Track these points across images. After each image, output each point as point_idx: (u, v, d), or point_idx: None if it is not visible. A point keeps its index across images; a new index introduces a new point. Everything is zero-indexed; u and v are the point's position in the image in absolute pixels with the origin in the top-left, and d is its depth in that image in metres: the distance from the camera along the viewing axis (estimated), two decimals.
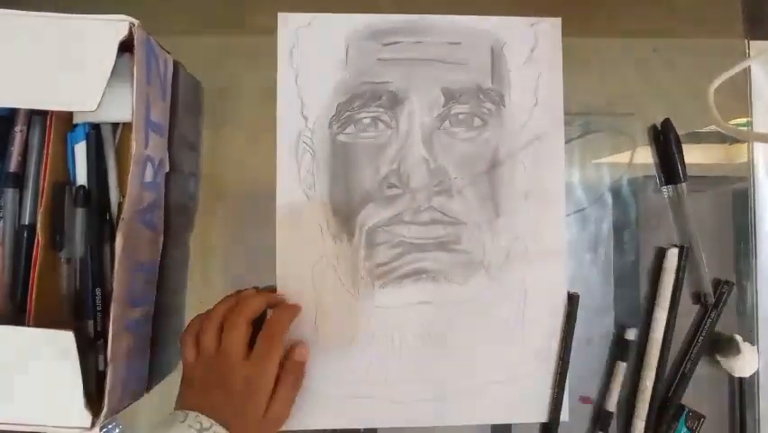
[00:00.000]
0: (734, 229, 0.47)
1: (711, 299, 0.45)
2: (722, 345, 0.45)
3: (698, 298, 0.46)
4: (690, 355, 0.45)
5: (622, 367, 0.45)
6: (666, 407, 0.45)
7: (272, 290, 0.44)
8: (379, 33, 0.45)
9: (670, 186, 0.46)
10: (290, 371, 0.41)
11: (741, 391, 0.45)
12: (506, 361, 0.45)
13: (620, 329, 0.46)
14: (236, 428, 0.36)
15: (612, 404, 0.45)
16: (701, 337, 0.45)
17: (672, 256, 0.45)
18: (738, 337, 0.45)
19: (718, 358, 0.45)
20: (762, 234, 0.47)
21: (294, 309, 0.43)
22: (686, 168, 0.45)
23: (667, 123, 0.46)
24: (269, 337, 0.39)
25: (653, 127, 0.47)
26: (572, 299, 0.45)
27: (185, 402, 0.37)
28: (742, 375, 0.45)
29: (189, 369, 0.39)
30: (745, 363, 0.44)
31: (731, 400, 0.46)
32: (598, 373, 0.46)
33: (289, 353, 0.42)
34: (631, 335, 0.45)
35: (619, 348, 0.45)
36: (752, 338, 0.46)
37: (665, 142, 0.46)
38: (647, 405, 0.44)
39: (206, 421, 0.35)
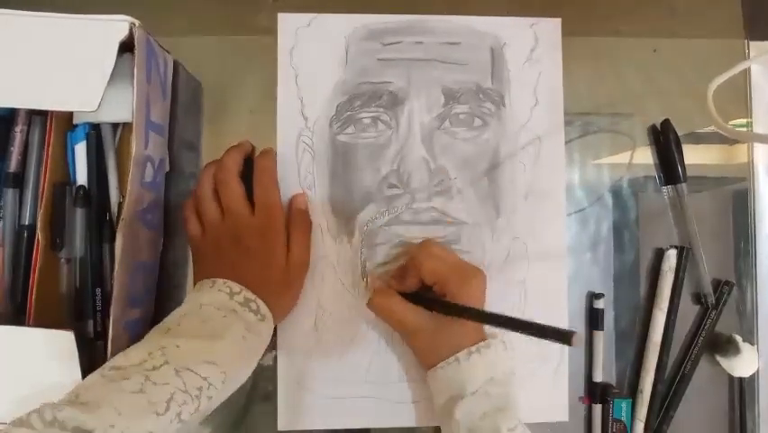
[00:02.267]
0: (734, 229, 0.47)
1: (711, 300, 0.45)
2: (722, 345, 0.45)
3: (698, 298, 0.46)
4: (691, 355, 0.45)
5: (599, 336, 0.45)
6: (666, 407, 0.45)
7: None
8: (379, 33, 0.45)
9: (670, 186, 0.46)
10: (296, 218, 0.42)
11: (741, 391, 0.45)
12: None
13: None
14: (259, 285, 0.37)
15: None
16: (701, 338, 0.45)
17: (672, 257, 0.45)
18: (738, 337, 0.45)
19: (718, 358, 0.45)
20: (762, 234, 0.47)
21: (270, 152, 0.43)
22: (686, 168, 0.45)
23: (667, 123, 0.46)
24: (262, 186, 0.40)
25: (653, 127, 0.47)
26: None
27: (203, 276, 0.38)
28: (742, 375, 0.45)
29: (199, 244, 0.40)
30: (744, 363, 0.44)
31: (731, 400, 0.46)
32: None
33: (290, 205, 0.43)
34: (600, 304, 0.45)
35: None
36: (752, 338, 0.46)
37: (665, 142, 0.46)
38: (647, 406, 0.44)
39: (236, 286, 0.36)
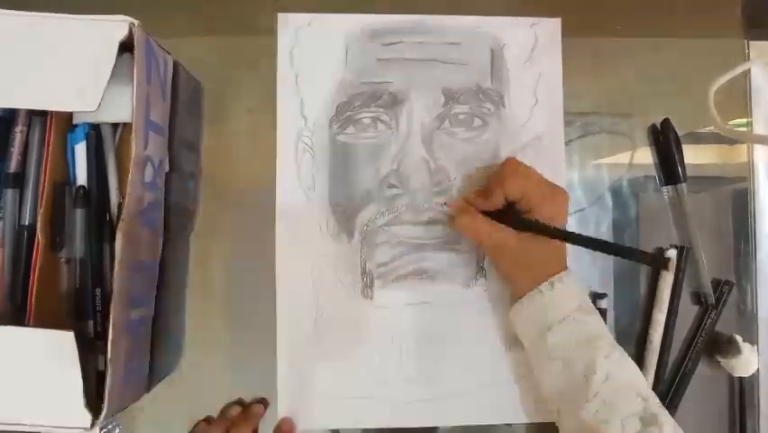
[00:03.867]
0: (734, 229, 0.47)
1: (711, 300, 0.45)
2: (722, 345, 0.45)
3: (698, 298, 0.46)
4: (690, 355, 0.45)
5: None
6: (666, 407, 0.45)
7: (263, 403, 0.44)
8: (378, 33, 0.45)
9: (670, 186, 0.46)
10: None
11: (741, 391, 0.45)
12: (506, 361, 0.45)
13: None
14: None
15: None
16: (701, 338, 0.45)
17: (671, 257, 0.45)
18: (738, 337, 0.45)
19: (718, 358, 0.45)
20: (762, 235, 0.47)
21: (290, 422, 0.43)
22: (686, 168, 0.45)
23: (667, 123, 0.46)
24: None
25: (653, 127, 0.47)
26: None
27: None
28: (742, 375, 0.45)
29: None
30: (745, 363, 0.44)
31: (731, 400, 0.46)
32: None
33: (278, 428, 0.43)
34: (603, 304, 0.45)
35: None
36: (752, 338, 0.46)
37: (665, 142, 0.46)
38: None
39: None
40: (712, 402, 0.46)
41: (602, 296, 0.45)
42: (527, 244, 0.39)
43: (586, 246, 0.37)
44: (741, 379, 0.45)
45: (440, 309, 0.45)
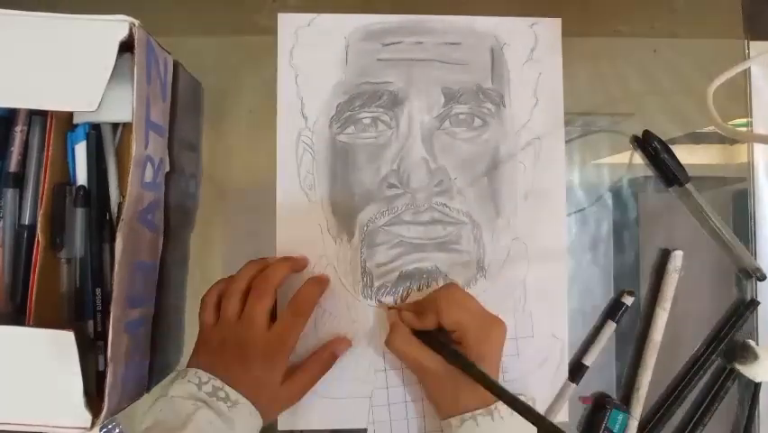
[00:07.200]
0: (734, 229, 0.47)
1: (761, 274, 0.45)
2: (738, 352, 0.45)
3: (747, 274, 0.46)
4: (700, 362, 0.45)
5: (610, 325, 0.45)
6: (667, 407, 0.45)
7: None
8: (379, 33, 0.45)
9: (671, 188, 0.46)
10: (318, 359, 0.42)
11: (755, 393, 0.45)
12: (505, 361, 0.45)
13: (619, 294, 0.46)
14: (249, 392, 0.37)
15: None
16: (720, 345, 0.45)
17: (676, 258, 0.45)
18: (752, 342, 0.45)
19: (737, 366, 0.45)
20: (762, 234, 0.47)
21: (323, 282, 0.43)
22: (686, 168, 0.45)
23: (647, 134, 0.45)
24: (295, 310, 0.40)
25: (636, 138, 0.46)
26: None
27: (197, 363, 0.38)
28: (764, 380, 0.44)
29: (207, 332, 0.40)
30: (765, 367, 0.43)
31: (731, 400, 0.46)
32: (597, 372, 0.45)
33: (328, 343, 0.43)
34: (627, 300, 0.45)
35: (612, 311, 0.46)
36: (754, 340, 0.46)
37: (653, 151, 0.45)
38: (642, 403, 0.44)
39: (204, 376, 0.36)
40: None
41: (631, 292, 0.45)
42: (455, 373, 0.37)
43: (507, 403, 0.34)
44: (747, 381, 0.45)
45: None
